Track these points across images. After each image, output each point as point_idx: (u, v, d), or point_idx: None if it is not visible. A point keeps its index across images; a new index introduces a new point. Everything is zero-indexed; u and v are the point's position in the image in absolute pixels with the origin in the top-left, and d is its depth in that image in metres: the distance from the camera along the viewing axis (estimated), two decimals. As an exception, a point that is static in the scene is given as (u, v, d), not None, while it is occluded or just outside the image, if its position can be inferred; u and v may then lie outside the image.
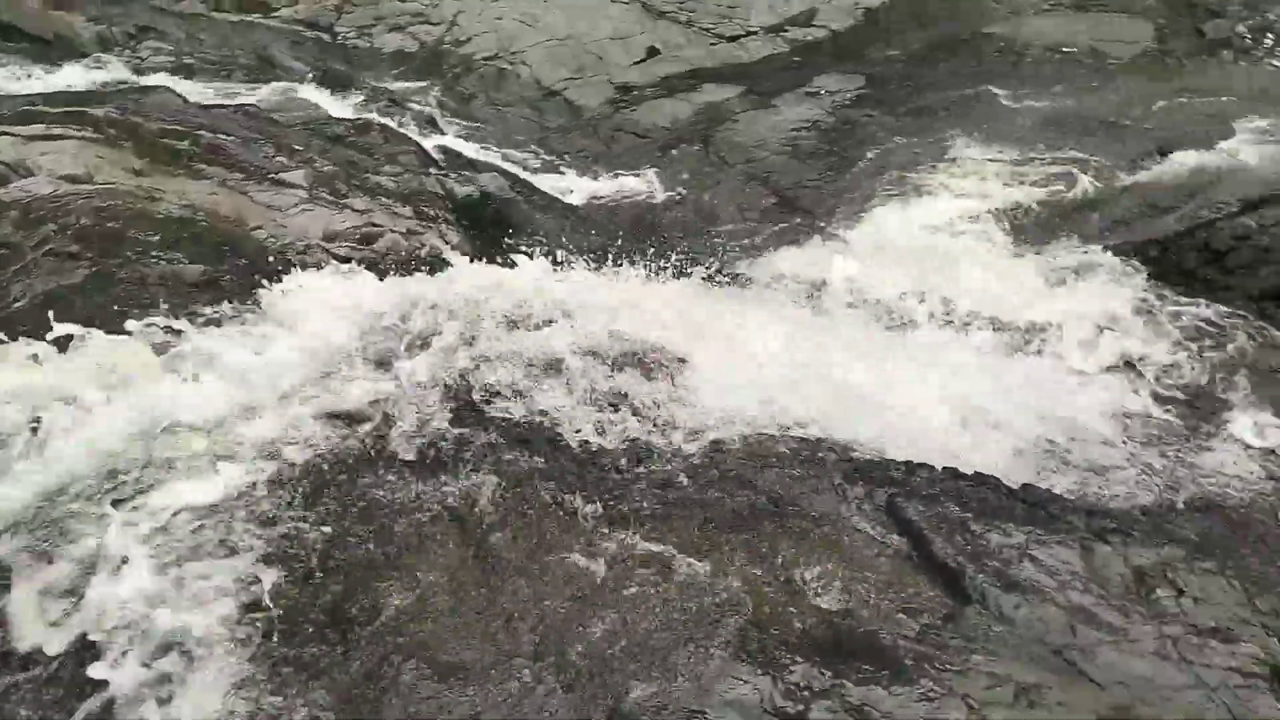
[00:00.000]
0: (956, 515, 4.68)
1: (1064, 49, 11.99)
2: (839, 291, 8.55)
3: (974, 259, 8.89)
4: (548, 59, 12.75)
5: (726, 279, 8.92)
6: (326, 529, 4.45)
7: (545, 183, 10.85)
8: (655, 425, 5.56)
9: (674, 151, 11.21)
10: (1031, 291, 8.20)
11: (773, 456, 5.34)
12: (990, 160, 10.24)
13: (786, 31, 13.03)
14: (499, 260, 7.63)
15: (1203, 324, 7.48)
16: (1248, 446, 6.31)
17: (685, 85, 12.20)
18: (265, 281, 6.29)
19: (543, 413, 5.40)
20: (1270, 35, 11.90)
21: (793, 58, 12.58)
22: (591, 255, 8.65)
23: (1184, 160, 9.62)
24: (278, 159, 8.46)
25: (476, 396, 5.46)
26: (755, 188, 10.53)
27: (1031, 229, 9.25)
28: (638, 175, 11.03)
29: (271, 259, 6.76)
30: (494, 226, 7.91)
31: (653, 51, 12.83)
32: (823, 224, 9.86)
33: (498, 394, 5.47)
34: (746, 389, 6.24)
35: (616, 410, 5.55)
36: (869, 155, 10.70)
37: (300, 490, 4.67)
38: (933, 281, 8.39)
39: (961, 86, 11.57)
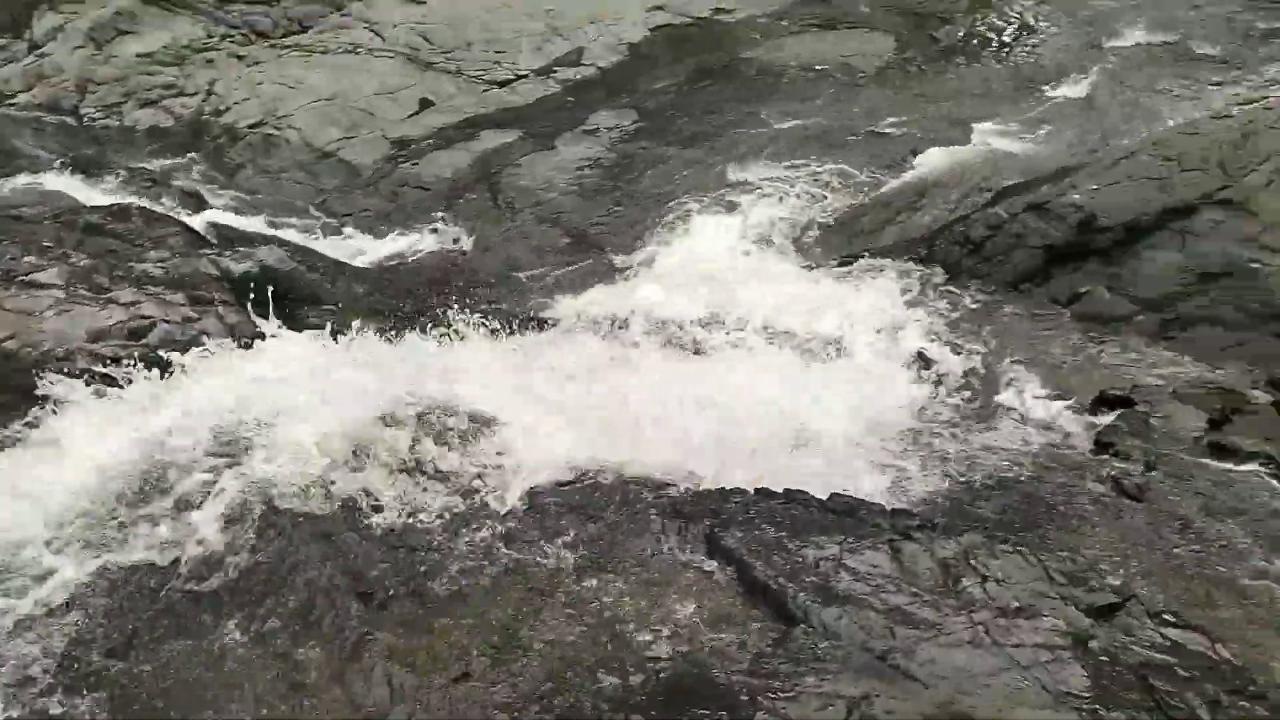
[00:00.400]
0: (773, 537, 4.79)
1: (817, 67, 12.69)
2: (640, 324, 8.68)
3: (761, 275, 9.23)
4: (316, 120, 12.37)
5: (530, 324, 8.88)
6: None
7: (329, 248, 10.50)
8: (469, 492, 5.42)
9: (460, 201, 11.10)
10: (817, 300, 8.58)
11: (592, 505, 5.31)
12: (764, 179, 10.68)
13: (556, 72, 13.19)
14: (287, 338, 7.28)
15: (973, 310, 8.04)
16: (1026, 420, 6.79)
17: (463, 134, 12.11)
18: (20, 400, 5.74)
19: (345, 501, 5.16)
20: (993, 37, 13.01)
21: (566, 98, 12.73)
22: (386, 318, 8.41)
23: (933, 160, 10.35)
24: (26, 259, 7.80)
25: (274, 494, 5.16)
26: (547, 229, 10.56)
27: (809, 240, 9.70)
28: (427, 229, 10.85)
29: (27, 371, 6.18)
30: (279, 302, 7.53)
31: (425, 103, 12.68)
32: (617, 258, 9.99)
33: (294, 492, 5.17)
34: (560, 437, 6.20)
35: (425, 483, 5.38)
36: (651, 186, 10.94)
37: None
38: (726, 302, 8.65)
39: (727, 111, 12.03)
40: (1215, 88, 10.87)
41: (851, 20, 13.91)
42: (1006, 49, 12.73)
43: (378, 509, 5.14)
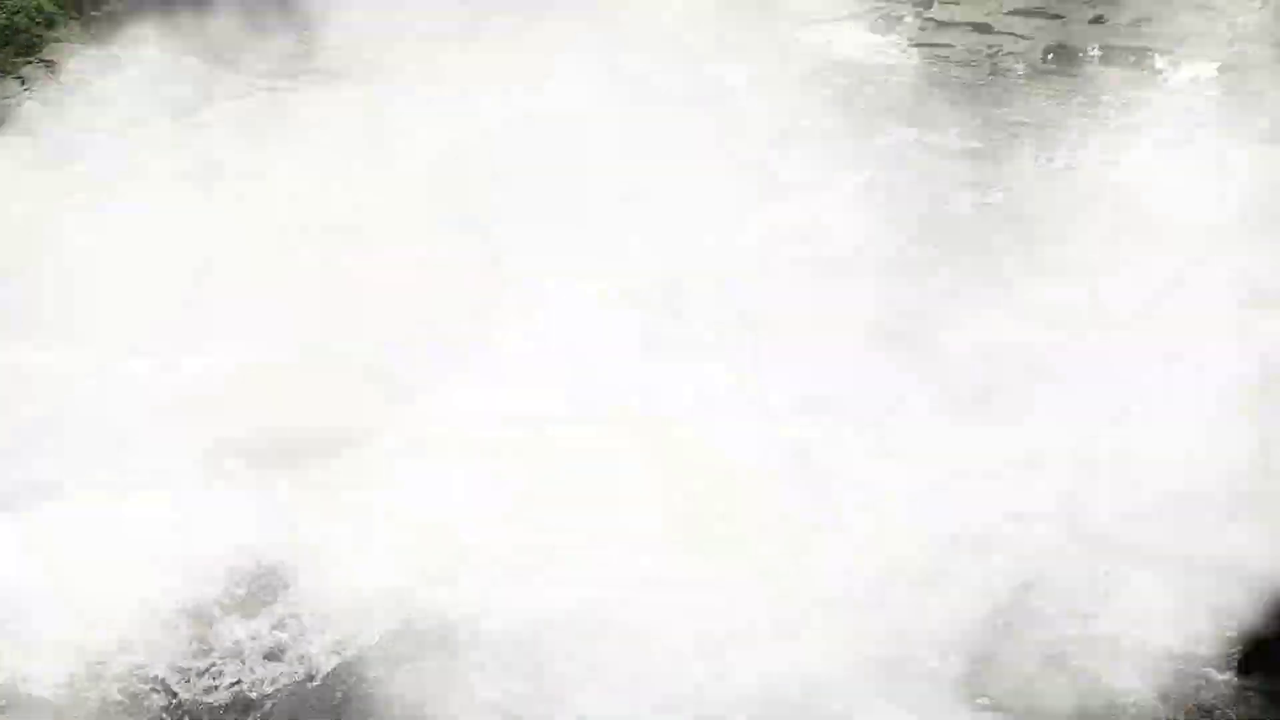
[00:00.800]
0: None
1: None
2: (481, 406, 8.33)
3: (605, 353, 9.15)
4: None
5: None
6: None
7: None
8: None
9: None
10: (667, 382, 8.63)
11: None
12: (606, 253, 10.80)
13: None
14: None
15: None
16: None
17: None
18: None
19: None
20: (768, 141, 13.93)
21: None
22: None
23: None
24: None
25: None
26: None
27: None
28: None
29: None
30: None
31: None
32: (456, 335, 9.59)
33: None
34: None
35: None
36: (492, 266, 10.66)
37: None
38: (569, 383, 8.42)
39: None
40: (970, 174, 12.08)
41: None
42: (778, 148, 13.64)
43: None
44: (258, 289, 10.18)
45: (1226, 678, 5.81)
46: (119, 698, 4.89)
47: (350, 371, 9.15)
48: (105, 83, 14.78)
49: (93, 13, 16.75)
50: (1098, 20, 16.51)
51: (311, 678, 5.01)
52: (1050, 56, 15.86)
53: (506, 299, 9.92)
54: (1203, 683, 5.74)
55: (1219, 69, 14.64)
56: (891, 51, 16.61)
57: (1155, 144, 12.23)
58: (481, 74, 13.47)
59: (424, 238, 10.66)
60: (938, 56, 16.01)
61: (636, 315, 9.60)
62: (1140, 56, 15.60)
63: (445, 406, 8.57)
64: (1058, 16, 16.90)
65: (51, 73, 14.63)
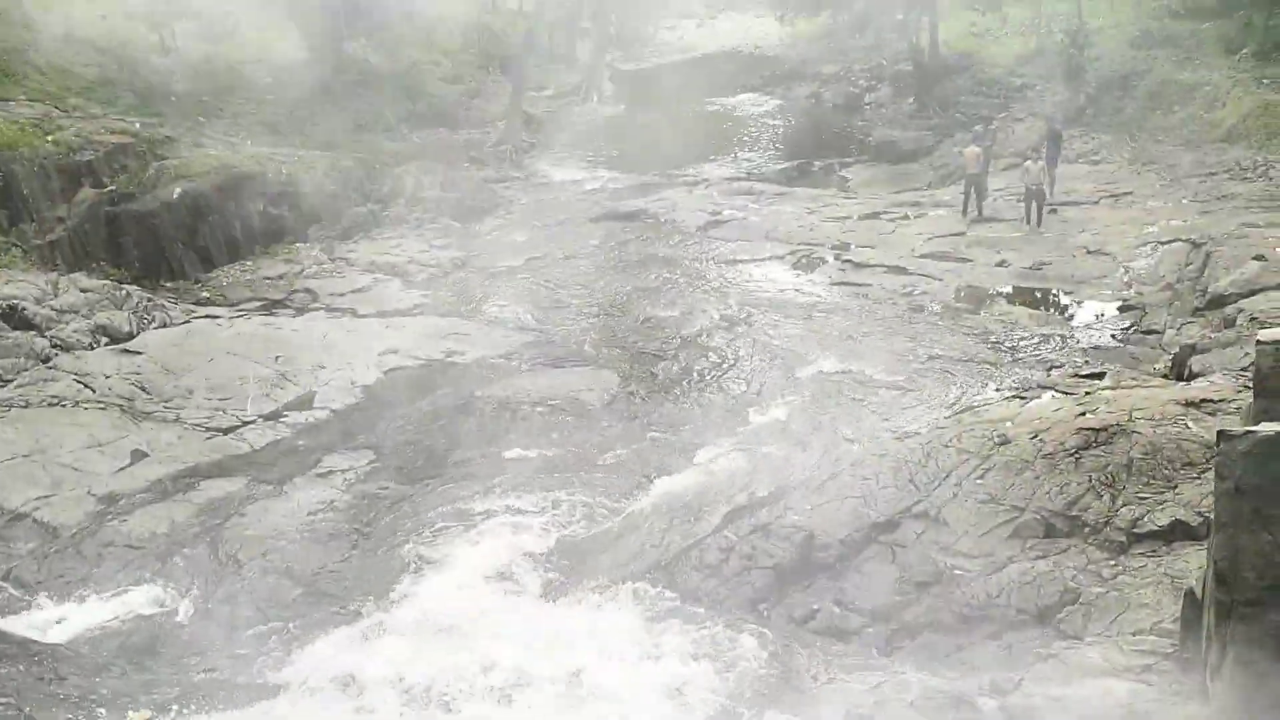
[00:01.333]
0: None
1: (549, 402, 13.33)
2: (380, 680, 8.12)
3: (507, 615, 9.04)
4: (9, 479, 11.28)
5: (252, 694, 8.06)
6: None
7: (15, 623, 9.26)
8: None
9: (176, 559, 10.24)
10: (565, 637, 8.46)
11: None
12: (505, 512, 10.75)
13: (286, 417, 12.98)
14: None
15: (716, 638, 8.18)
16: None
17: (181, 486, 11.43)
18: None
19: None
20: (704, 371, 14.34)
21: (297, 442, 12.47)
22: (77, 706, 7.36)
23: (664, 488, 10.91)
24: None
25: None
26: (276, 581, 9.91)
27: (552, 573, 9.71)
28: (135, 593, 9.85)
29: None
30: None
31: (139, 455, 11.93)
32: (353, 608, 9.46)
33: None
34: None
35: None
36: (390, 527, 10.69)
37: None
38: (473, 650, 8.33)
39: (466, 448, 12.23)
40: (895, 409, 12.44)
41: (577, 359, 14.92)
42: (717, 380, 14.02)
43: None
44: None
45: None
46: None
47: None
48: (40, 309, 14.85)
49: (35, 240, 17.04)
50: (1002, 264, 17.68)
51: None
52: (963, 293, 16.77)
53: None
54: None
55: (1119, 308, 15.56)
56: (815, 289, 17.48)
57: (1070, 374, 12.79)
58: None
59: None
60: (858, 294, 16.86)
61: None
62: (1045, 294, 16.59)
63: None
64: (965, 260, 18.09)
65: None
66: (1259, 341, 4.46)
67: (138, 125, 20.56)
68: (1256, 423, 4.20)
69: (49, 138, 18.09)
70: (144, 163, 19.16)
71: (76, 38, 23.59)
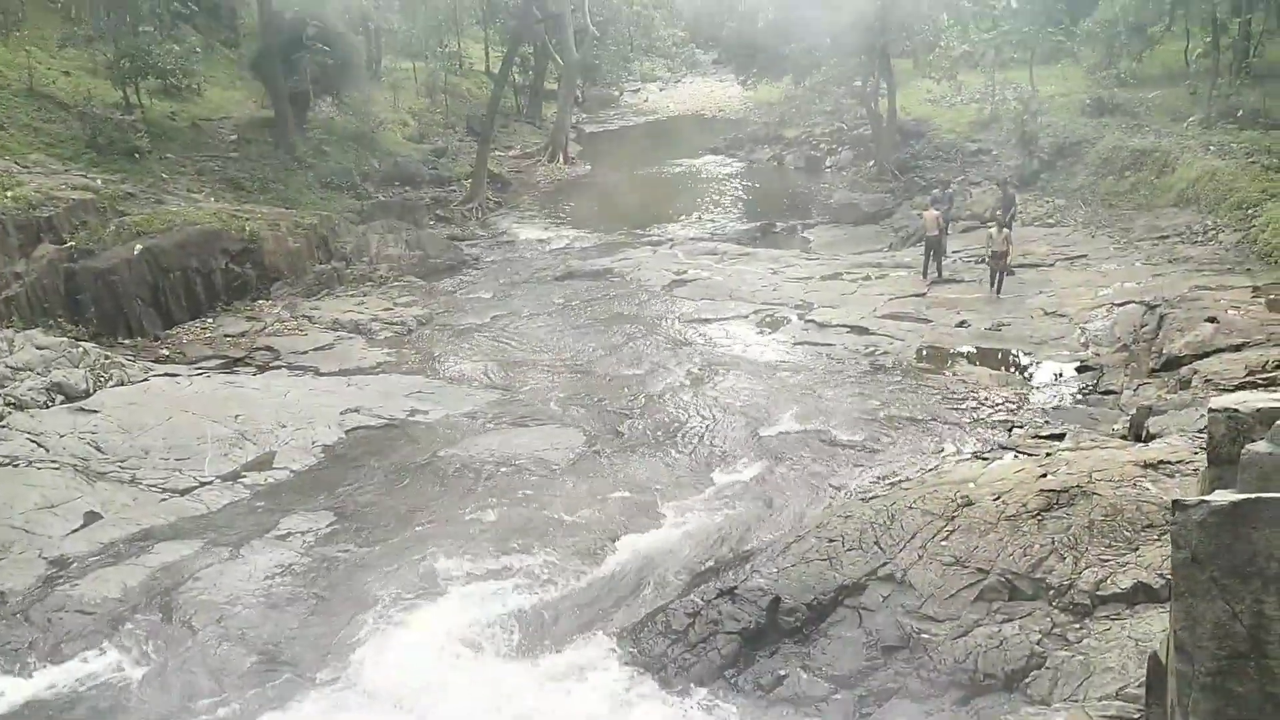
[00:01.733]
0: None
1: (514, 461, 13.23)
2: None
3: (472, 681, 8.86)
4: (-45, 542, 10.93)
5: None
6: None
7: (-49, 703, 8.92)
8: None
9: (128, 625, 9.94)
10: (530, 710, 8.30)
11: None
12: (470, 575, 10.58)
13: (245, 477, 12.76)
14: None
15: (685, 712, 8.06)
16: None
17: (135, 548, 11.14)
18: None
19: None
20: (669, 429, 14.33)
21: (255, 503, 12.24)
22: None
23: (630, 548, 10.83)
24: None
25: None
26: (231, 649, 9.63)
27: (517, 638, 9.55)
28: (85, 660, 9.53)
29: None
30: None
31: (92, 516, 11.66)
32: (312, 675, 9.23)
33: None
34: None
35: None
36: (351, 591, 10.47)
37: None
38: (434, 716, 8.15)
39: (430, 508, 12.07)
40: (859, 470, 12.50)
41: (542, 417, 14.86)
42: (682, 439, 14.01)
43: None
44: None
45: None
46: None
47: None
48: (-5, 367, 14.56)
49: (-8, 298, 16.77)
50: (962, 325, 17.95)
51: None
52: (925, 354, 16.97)
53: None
54: None
55: (1077, 368, 15.82)
56: (778, 349, 17.63)
57: (1031, 435, 12.95)
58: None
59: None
60: (821, 354, 17.01)
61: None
62: (1004, 355, 16.84)
63: None
64: (925, 320, 18.36)
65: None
66: (1211, 409, 4.55)
67: (99, 181, 20.45)
68: (1211, 490, 4.27)
69: (8, 194, 17.90)
70: (105, 219, 19.02)
71: (40, 94, 23.55)
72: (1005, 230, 19.38)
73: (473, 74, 49.59)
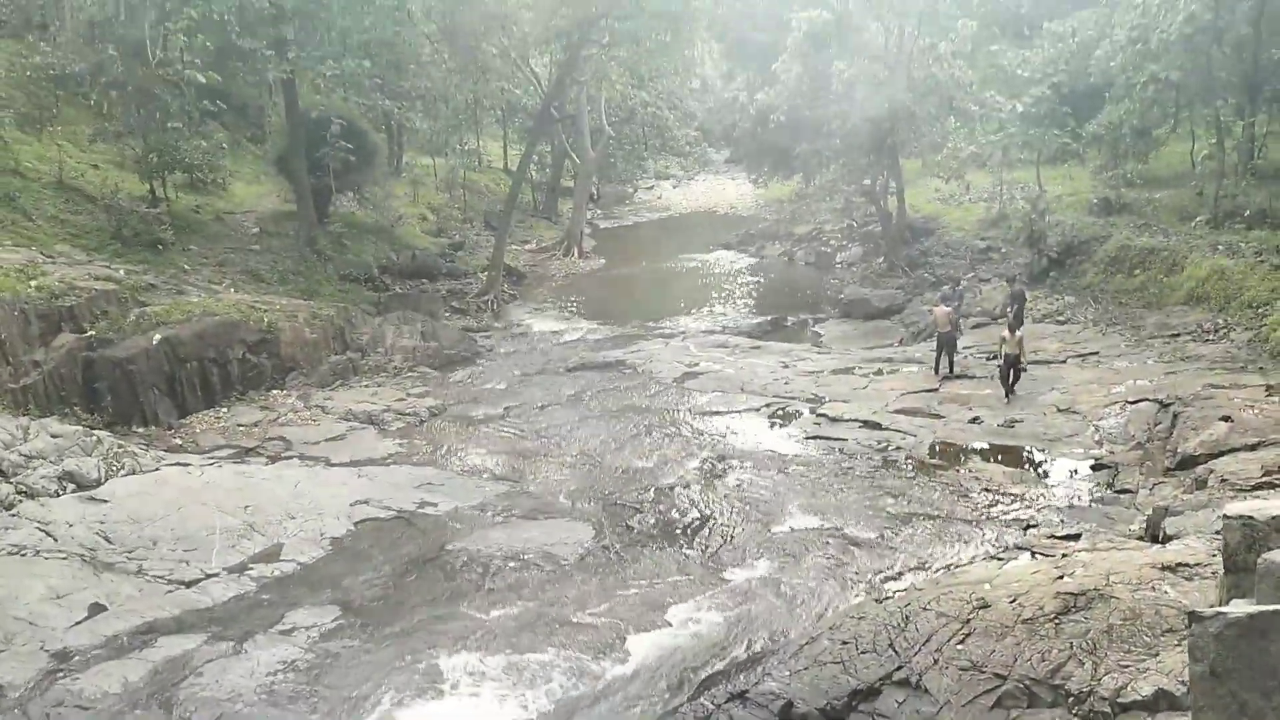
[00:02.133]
0: None
1: (523, 556, 13.11)
2: None
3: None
4: (-42, 633, 10.83)
5: None
6: None
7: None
8: None
9: (127, 721, 9.77)
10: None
11: None
12: (477, 674, 10.39)
13: (251, 570, 12.66)
14: None
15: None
16: None
17: (138, 641, 11.01)
18: None
19: None
20: (679, 525, 14.21)
21: (261, 596, 12.12)
22: None
23: (640, 647, 10.64)
24: None
25: None
26: (230, 748, 9.44)
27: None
28: (81, 760, 9.34)
29: None
30: None
31: (97, 608, 11.55)
32: (312, 778, 9.01)
33: None
34: None
35: None
36: (354, 688, 10.28)
37: None
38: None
39: (437, 604, 11.93)
40: (873, 569, 12.32)
41: (551, 510, 14.78)
42: (693, 534, 13.88)
43: None
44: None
45: None
46: None
47: None
48: (8, 454, 14.62)
49: (10, 385, 16.94)
50: (974, 421, 17.90)
51: None
52: (937, 450, 16.88)
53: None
54: None
55: (1092, 466, 15.68)
56: (790, 443, 17.57)
57: (1046, 535, 12.78)
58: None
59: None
60: (832, 449, 16.94)
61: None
62: (1018, 452, 16.72)
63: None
64: (937, 416, 18.32)
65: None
66: (1226, 516, 4.50)
67: (122, 272, 20.84)
68: (1229, 599, 4.21)
69: (32, 283, 18.24)
70: (125, 309, 19.31)
71: (68, 185, 24.20)
72: (1018, 334, 18.87)
73: (491, 170, 50.83)
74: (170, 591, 12.09)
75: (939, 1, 30.26)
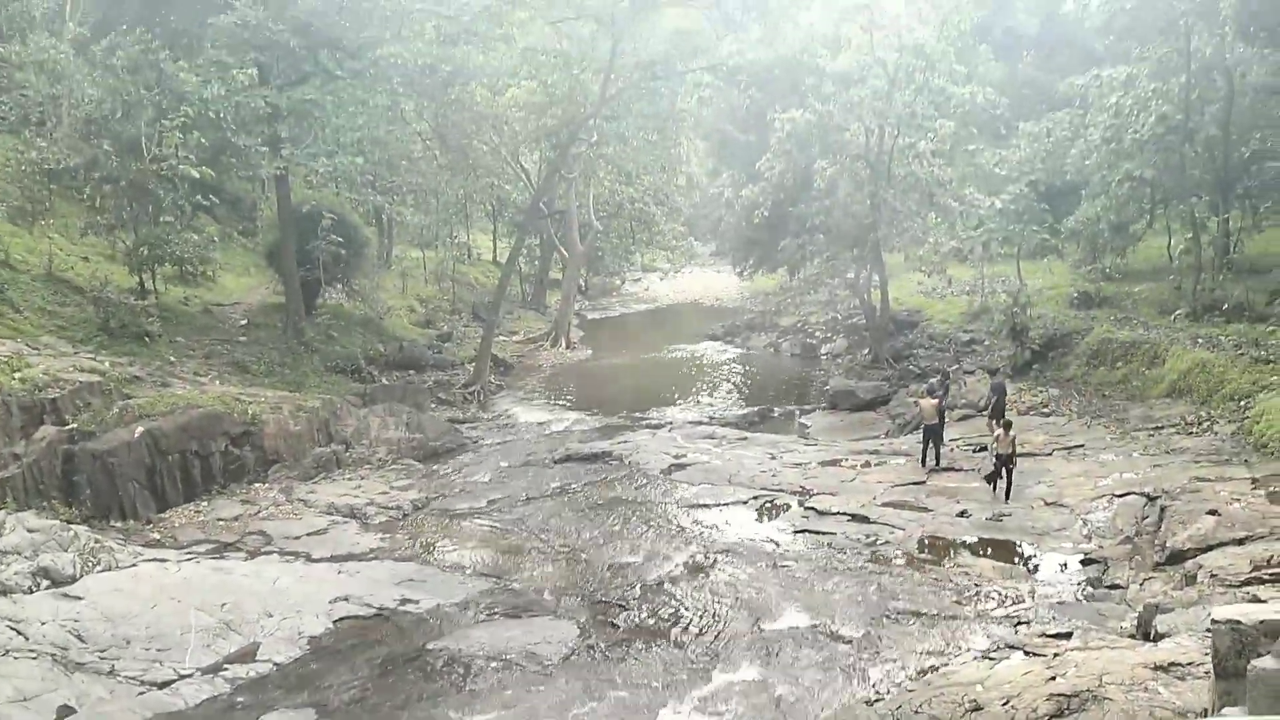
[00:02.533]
0: None
1: (505, 656, 12.81)
2: None
3: None
4: (-83, 740, 10.45)
5: None
6: None
7: None
8: None
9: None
10: None
11: None
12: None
13: (226, 670, 12.32)
14: None
15: None
16: None
17: (107, 747, 10.65)
18: None
19: None
20: (667, 624, 13.95)
21: (235, 699, 11.77)
22: None
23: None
24: None
25: None
26: None
27: None
28: None
29: None
30: None
31: (66, 710, 11.19)
32: None
33: None
34: None
35: None
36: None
37: None
38: None
39: (416, 706, 11.61)
40: (863, 670, 12.08)
41: (535, 608, 14.51)
42: (680, 633, 13.61)
43: None
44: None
45: None
46: None
47: None
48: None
49: (-12, 479, 16.70)
50: (962, 514, 17.80)
51: None
52: (926, 544, 16.73)
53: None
54: None
55: (1081, 561, 15.56)
56: (778, 537, 17.40)
57: (1038, 633, 12.59)
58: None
59: None
60: (821, 543, 16.78)
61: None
62: (1007, 546, 16.58)
63: None
64: (925, 509, 18.22)
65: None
66: (1214, 620, 4.46)
67: (107, 364, 20.79)
68: (1220, 707, 4.13)
69: (16, 375, 18.17)
70: (109, 401, 19.20)
71: (57, 277, 24.30)
72: (1011, 433, 18.58)
73: (480, 263, 51.41)
74: (142, 693, 11.74)
75: (917, 103, 31.12)
